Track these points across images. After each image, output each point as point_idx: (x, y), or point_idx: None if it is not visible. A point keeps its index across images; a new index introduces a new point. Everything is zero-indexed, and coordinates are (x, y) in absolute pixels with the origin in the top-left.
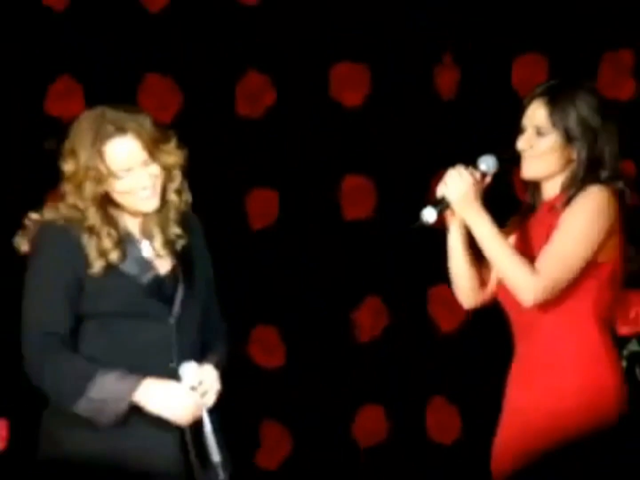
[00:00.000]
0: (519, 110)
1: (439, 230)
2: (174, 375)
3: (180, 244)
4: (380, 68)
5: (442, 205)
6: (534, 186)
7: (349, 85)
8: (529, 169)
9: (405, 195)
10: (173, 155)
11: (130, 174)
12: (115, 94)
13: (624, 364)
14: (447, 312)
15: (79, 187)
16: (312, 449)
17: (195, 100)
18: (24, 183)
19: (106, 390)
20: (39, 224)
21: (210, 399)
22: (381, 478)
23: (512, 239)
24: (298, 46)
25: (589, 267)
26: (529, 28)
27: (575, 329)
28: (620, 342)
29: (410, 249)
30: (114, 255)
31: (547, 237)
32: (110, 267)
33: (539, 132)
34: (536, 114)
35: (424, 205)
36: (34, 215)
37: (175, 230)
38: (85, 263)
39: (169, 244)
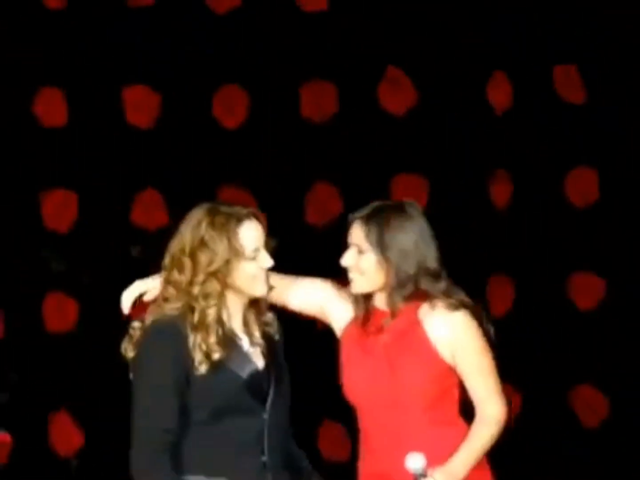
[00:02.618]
0: None
1: None
2: (264, 468)
3: (270, 333)
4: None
5: None
6: (363, 295)
7: (318, 102)
8: (357, 285)
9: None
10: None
11: (258, 255)
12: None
13: None
14: None
15: (210, 277)
16: None
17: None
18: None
19: None
20: (144, 327)
21: None
22: None
23: (351, 346)
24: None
25: (454, 372)
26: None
27: (447, 427)
28: None
29: None
30: (217, 355)
31: (418, 346)
32: (214, 364)
33: (360, 251)
34: (355, 234)
35: None
36: (136, 324)
37: (269, 317)
38: (192, 361)
39: (265, 337)
